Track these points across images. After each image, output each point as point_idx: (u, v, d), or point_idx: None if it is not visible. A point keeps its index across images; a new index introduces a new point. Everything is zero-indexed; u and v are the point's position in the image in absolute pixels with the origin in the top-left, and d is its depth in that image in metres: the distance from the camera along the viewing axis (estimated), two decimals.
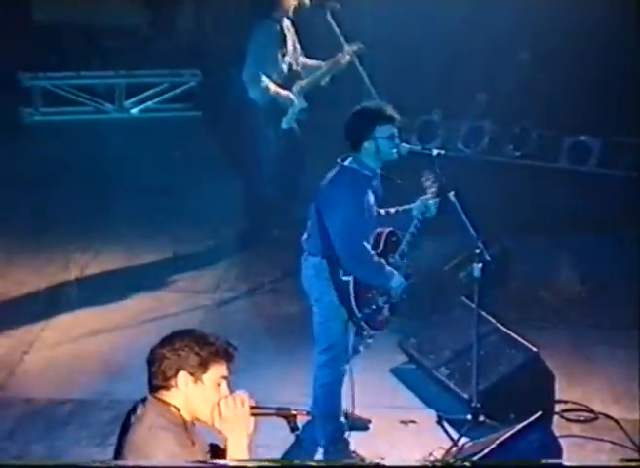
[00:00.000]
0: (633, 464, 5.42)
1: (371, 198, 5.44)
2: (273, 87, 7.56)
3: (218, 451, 4.00)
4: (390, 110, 5.47)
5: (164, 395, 3.90)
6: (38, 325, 7.03)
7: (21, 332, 6.94)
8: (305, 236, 5.60)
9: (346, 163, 5.48)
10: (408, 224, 5.61)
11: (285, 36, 7.62)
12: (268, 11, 7.53)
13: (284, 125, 7.69)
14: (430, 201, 5.60)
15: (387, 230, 5.57)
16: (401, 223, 5.63)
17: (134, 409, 3.92)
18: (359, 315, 5.45)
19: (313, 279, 5.51)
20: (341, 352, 5.53)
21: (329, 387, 5.61)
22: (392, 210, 5.67)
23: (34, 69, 10.69)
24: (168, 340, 3.93)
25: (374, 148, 5.42)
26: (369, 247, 5.43)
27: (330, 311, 5.48)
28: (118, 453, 3.89)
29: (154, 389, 3.92)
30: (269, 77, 7.55)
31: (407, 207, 5.66)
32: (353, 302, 5.42)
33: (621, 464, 5.38)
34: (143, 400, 3.93)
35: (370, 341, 5.64)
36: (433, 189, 5.60)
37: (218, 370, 3.90)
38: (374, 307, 5.50)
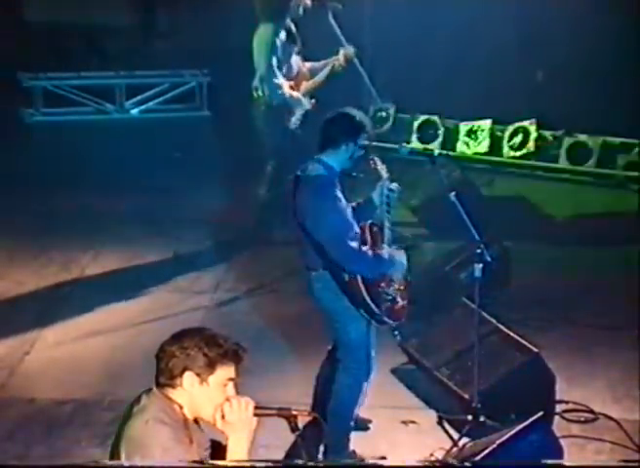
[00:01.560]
0: (633, 464, 5.40)
1: (342, 198, 5.44)
2: (286, 88, 7.60)
3: (219, 448, 4.00)
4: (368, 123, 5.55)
5: (169, 392, 3.92)
6: (39, 325, 7.02)
7: (22, 333, 6.93)
8: (300, 253, 5.60)
9: (309, 172, 5.46)
10: (373, 214, 5.57)
11: (292, 38, 7.64)
12: (277, 14, 7.55)
13: (292, 125, 7.70)
14: (387, 182, 5.56)
15: (368, 223, 5.55)
16: (366, 215, 5.59)
17: (138, 400, 3.94)
18: (378, 311, 5.44)
19: (323, 291, 5.49)
20: (363, 354, 5.53)
21: (348, 389, 5.60)
22: (354, 204, 5.64)
23: (35, 70, 10.70)
24: (178, 338, 3.93)
25: (350, 153, 5.45)
26: (357, 244, 5.42)
27: (348, 317, 5.46)
28: (117, 441, 3.90)
29: (160, 385, 3.93)
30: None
31: (367, 197, 5.63)
32: (369, 301, 5.41)
33: (621, 464, 5.36)
34: (148, 391, 3.95)
35: (397, 333, 5.62)
36: (384, 170, 5.57)
37: (225, 372, 3.90)
38: (389, 299, 5.50)
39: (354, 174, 5.64)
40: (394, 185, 5.56)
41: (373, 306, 5.42)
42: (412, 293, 5.66)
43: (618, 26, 9.37)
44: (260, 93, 7.63)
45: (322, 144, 5.49)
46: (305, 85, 7.71)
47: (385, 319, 5.48)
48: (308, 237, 5.43)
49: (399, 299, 5.57)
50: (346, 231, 5.36)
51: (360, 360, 5.54)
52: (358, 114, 5.55)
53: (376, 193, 5.58)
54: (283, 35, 7.58)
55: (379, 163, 5.57)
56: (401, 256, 5.54)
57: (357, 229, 5.46)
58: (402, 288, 5.58)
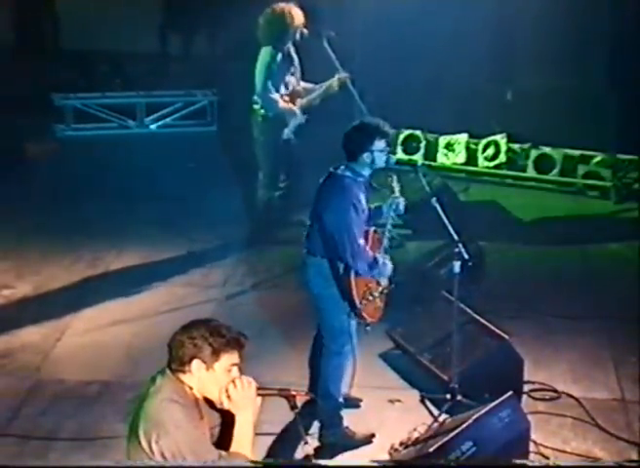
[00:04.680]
0: (633, 464, 5.28)
1: (363, 201, 5.42)
2: (281, 102, 7.59)
3: (229, 424, 3.98)
4: (386, 126, 5.46)
5: (180, 376, 3.92)
6: (69, 315, 7.01)
7: (55, 321, 6.92)
8: (305, 237, 5.57)
9: (340, 172, 5.45)
10: (378, 219, 5.59)
11: (290, 60, 7.64)
12: (276, 39, 7.55)
13: (285, 136, 7.70)
14: (398, 199, 5.58)
15: (372, 229, 5.56)
16: (373, 219, 5.61)
17: (153, 380, 3.94)
18: (360, 306, 5.42)
19: (315, 276, 5.46)
20: (344, 339, 5.50)
21: (334, 370, 5.58)
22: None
23: (66, 90, 10.71)
24: (187, 329, 3.93)
25: (370, 159, 5.41)
26: (363, 242, 5.40)
27: (332, 304, 5.44)
28: (135, 417, 3.90)
29: (172, 370, 3.92)
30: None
31: (377, 205, 5.65)
32: (355, 296, 5.39)
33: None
34: (162, 373, 3.94)
35: (368, 329, 5.60)
36: (398, 188, 5.59)
37: (229, 359, 3.90)
38: (371, 299, 5.48)
39: (374, 185, 5.63)
40: (403, 202, 5.57)
41: (357, 302, 5.39)
42: (391, 298, 5.63)
43: (579, 49, 9.38)
44: (257, 106, 7.62)
45: (346, 157, 5.46)
46: (300, 102, 7.69)
47: (363, 314, 5.44)
48: (321, 226, 5.38)
49: (379, 301, 5.55)
50: (358, 229, 5.32)
51: (342, 344, 5.51)
52: (368, 125, 5.46)
53: (386, 205, 5.59)
54: (280, 57, 7.57)
55: (395, 180, 5.58)
56: (389, 265, 5.53)
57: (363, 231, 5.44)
58: (385, 292, 5.56)
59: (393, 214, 5.57)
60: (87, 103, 10.68)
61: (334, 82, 7.59)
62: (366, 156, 5.38)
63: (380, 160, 5.42)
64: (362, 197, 5.40)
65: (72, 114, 10.63)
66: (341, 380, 5.60)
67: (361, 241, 5.35)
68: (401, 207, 5.58)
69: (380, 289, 5.52)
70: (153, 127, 10.79)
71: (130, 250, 8.02)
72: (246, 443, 3.91)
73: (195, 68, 11.43)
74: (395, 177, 5.59)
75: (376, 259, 5.42)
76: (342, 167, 5.45)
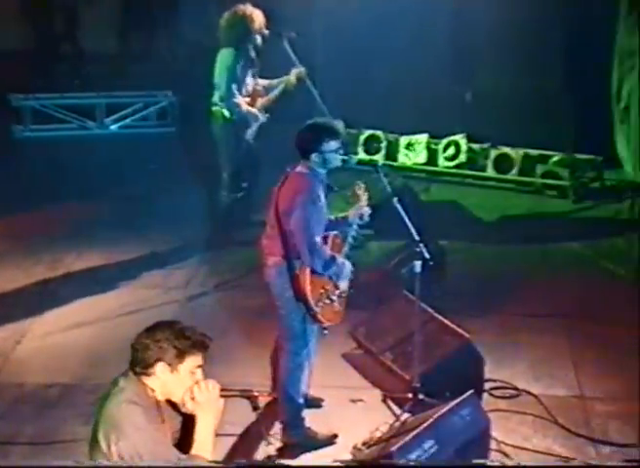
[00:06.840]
0: (633, 464, 5.28)
1: (322, 197, 5.41)
2: (244, 105, 7.59)
3: (189, 427, 3.97)
4: (337, 126, 5.44)
5: (144, 378, 3.89)
6: (29, 318, 6.94)
7: (14, 325, 6.85)
8: (264, 238, 5.56)
9: (297, 170, 5.44)
10: (344, 228, 5.60)
11: (251, 62, 7.64)
12: (239, 42, 7.54)
13: (248, 137, 7.70)
14: (365, 208, 5.60)
15: (332, 233, 5.55)
16: (339, 228, 5.61)
17: (115, 382, 3.91)
18: (315, 309, 5.41)
19: (276, 277, 5.44)
20: (302, 341, 5.49)
21: (292, 372, 5.56)
22: (332, 217, 5.65)
23: (24, 91, 10.61)
24: (151, 331, 3.91)
25: (322, 160, 5.39)
26: (320, 241, 5.39)
27: (292, 306, 5.42)
28: (96, 420, 3.88)
29: (135, 372, 3.90)
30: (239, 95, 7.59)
31: (343, 214, 5.66)
32: (309, 297, 5.38)
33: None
34: (125, 375, 3.91)
35: (326, 332, 5.59)
36: (365, 197, 5.61)
37: (193, 361, 3.89)
38: (327, 301, 5.47)
39: (336, 189, 5.63)
40: (369, 211, 5.57)
41: (311, 303, 5.37)
42: (352, 299, 5.64)
43: (539, 52, 9.47)
44: (219, 110, 7.61)
45: (300, 155, 5.45)
46: (260, 101, 7.71)
47: (320, 317, 5.42)
48: (280, 226, 5.36)
49: (337, 305, 5.54)
50: (314, 225, 5.28)
51: (299, 346, 5.49)
52: (318, 125, 5.44)
53: (352, 213, 5.60)
54: (243, 60, 7.57)
55: (362, 189, 5.59)
56: (349, 267, 5.54)
57: (323, 229, 5.42)
58: (344, 295, 5.56)
59: (359, 222, 5.58)
60: (45, 104, 10.61)
61: (291, 77, 7.62)
62: (315, 156, 5.35)
63: (334, 161, 5.40)
64: (321, 194, 5.39)
65: (31, 115, 10.55)
66: (301, 381, 5.59)
67: (318, 238, 5.35)
68: (366, 216, 5.59)
69: (338, 292, 5.52)
70: (113, 128, 10.74)
71: (90, 251, 7.97)
72: (207, 445, 3.90)
73: (155, 69, 11.39)
74: (363, 186, 5.59)
75: (333, 258, 5.41)
76: (299, 166, 5.44)
